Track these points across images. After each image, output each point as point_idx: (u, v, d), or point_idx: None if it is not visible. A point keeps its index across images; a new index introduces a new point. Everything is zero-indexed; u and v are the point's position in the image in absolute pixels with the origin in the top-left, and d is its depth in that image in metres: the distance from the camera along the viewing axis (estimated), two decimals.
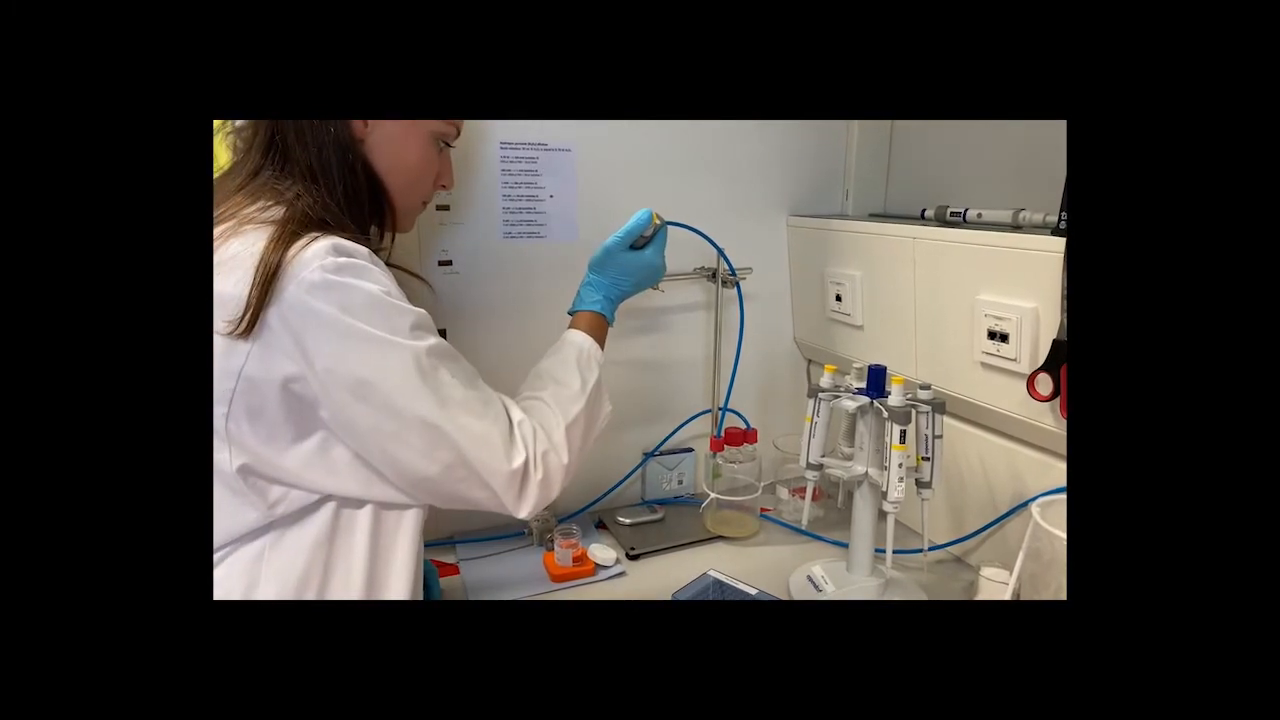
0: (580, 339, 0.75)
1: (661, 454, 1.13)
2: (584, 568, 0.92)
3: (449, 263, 0.96)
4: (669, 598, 0.85)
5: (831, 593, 0.86)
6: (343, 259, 0.56)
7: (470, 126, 0.92)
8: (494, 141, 0.94)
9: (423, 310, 0.61)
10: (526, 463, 0.62)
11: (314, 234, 0.56)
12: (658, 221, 0.82)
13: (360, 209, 0.65)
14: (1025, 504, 0.82)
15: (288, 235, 0.55)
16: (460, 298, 0.97)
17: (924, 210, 1.00)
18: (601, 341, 0.77)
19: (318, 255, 0.55)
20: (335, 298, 0.55)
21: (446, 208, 0.94)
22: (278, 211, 0.58)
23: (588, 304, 0.79)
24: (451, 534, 1.03)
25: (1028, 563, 0.71)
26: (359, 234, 0.62)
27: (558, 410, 0.68)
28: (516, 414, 0.64)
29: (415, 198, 0.73)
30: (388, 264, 0.64)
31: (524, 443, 0.63)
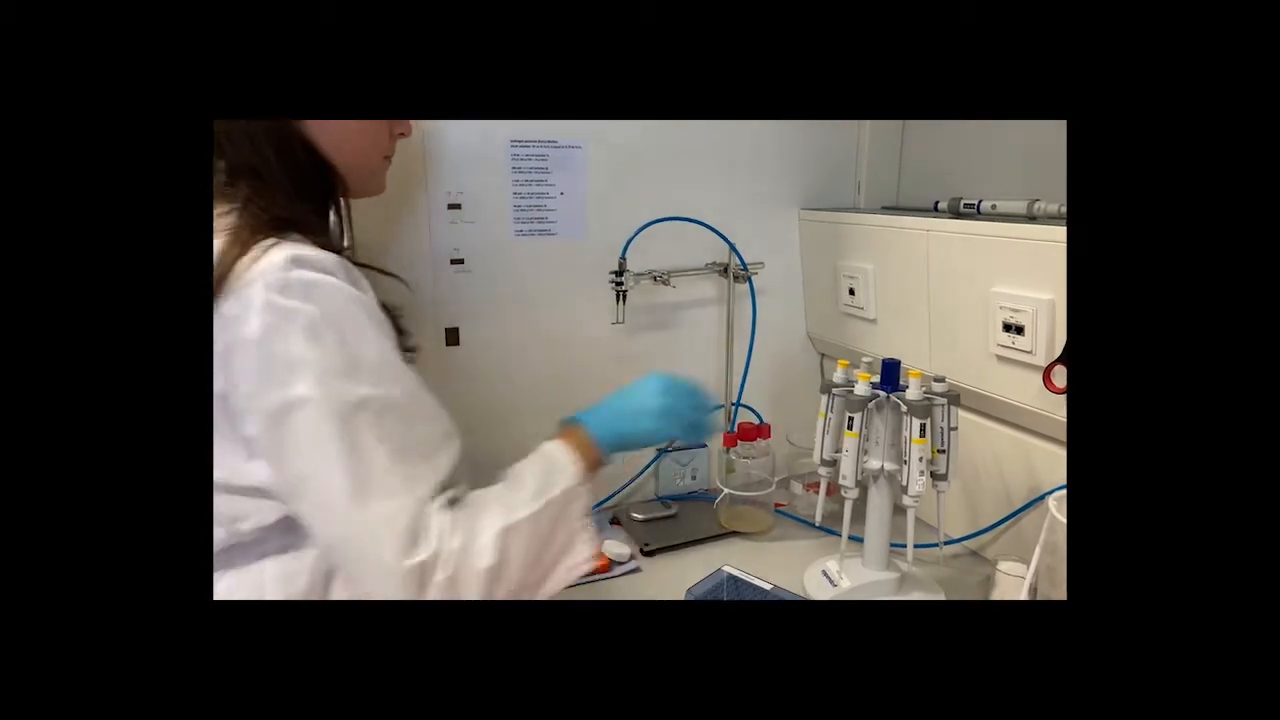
0: (556, 450, 0.62)
1: (675, 450, 1.13)
2: (598, 564, 0.92)
3: (460, 261, 0.96)
4: (684, 593, 0.85)
5: (847, 587, 0.86)
6: (295, 272, 0.52)
7: (480, 125, 0.93)
8: (504, 140, 0.95)
9: (383, 346, 0.55)
10: (426, 563, 0.52)
11: (272, 240, 0.53)
12: None
13: (314, 194, 0.62)
14: (1041, 497, 0.81)
15: (241, 243, 0.52)
16: (472, 295, 0.97)
17: (937, 202, 0.99)
18: (590, 466, 0.63)
19: (264, 273, 0.51)
20: (271, 322, 0.50)
21: (458, 206, 0.95)
22: (233, 218, 0.55)
23: (580, 417, 0.66)
24: None
25: (1045, 556, 0.70)
26: (321, 223, 0.59)
27: (499, 510, 0.56)
28: (438, 504, 0.54)
29: (372, 160, 0.68)
30: (356, 263, 0.59)
31: (433, 538, 0.52)
